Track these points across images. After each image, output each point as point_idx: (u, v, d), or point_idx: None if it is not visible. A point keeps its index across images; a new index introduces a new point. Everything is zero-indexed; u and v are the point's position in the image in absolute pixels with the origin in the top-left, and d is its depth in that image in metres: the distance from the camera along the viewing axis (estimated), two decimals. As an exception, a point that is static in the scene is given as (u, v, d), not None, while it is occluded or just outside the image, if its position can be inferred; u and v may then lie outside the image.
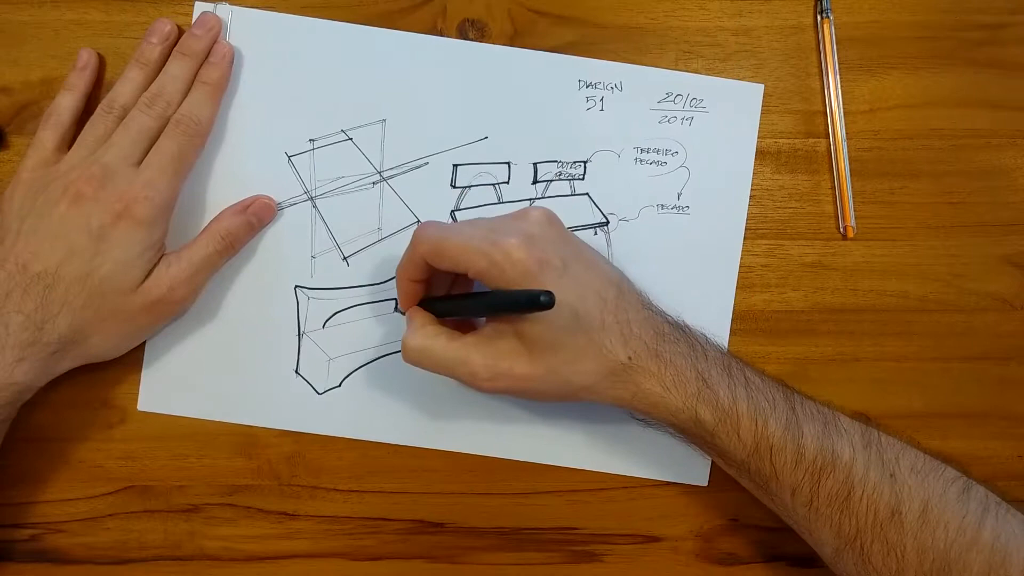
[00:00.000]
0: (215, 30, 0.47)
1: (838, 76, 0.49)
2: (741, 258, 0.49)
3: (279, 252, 0.48)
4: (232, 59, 0.47)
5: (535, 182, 0.49)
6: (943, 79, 0.50)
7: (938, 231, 0.49)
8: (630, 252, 0.49)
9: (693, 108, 0.49)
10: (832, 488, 0.40)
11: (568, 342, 0.40)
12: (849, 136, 0.49)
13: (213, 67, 0.47)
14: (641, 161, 0.49)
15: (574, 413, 0.48)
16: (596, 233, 0.49)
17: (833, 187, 0.49)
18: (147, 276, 0.44)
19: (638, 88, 0.49)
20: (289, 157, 0.48)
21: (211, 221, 0.47)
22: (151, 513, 0.48)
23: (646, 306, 0.43)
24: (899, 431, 0.48)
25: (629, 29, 0.49)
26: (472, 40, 0.49)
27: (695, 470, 0.49)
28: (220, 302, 0.48)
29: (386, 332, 0.48)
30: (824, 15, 0.49)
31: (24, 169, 0.45)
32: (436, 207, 0.49)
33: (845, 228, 0.49)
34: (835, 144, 0.49)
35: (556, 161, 0.49)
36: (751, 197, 0.49)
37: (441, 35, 0.49)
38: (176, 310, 0.46)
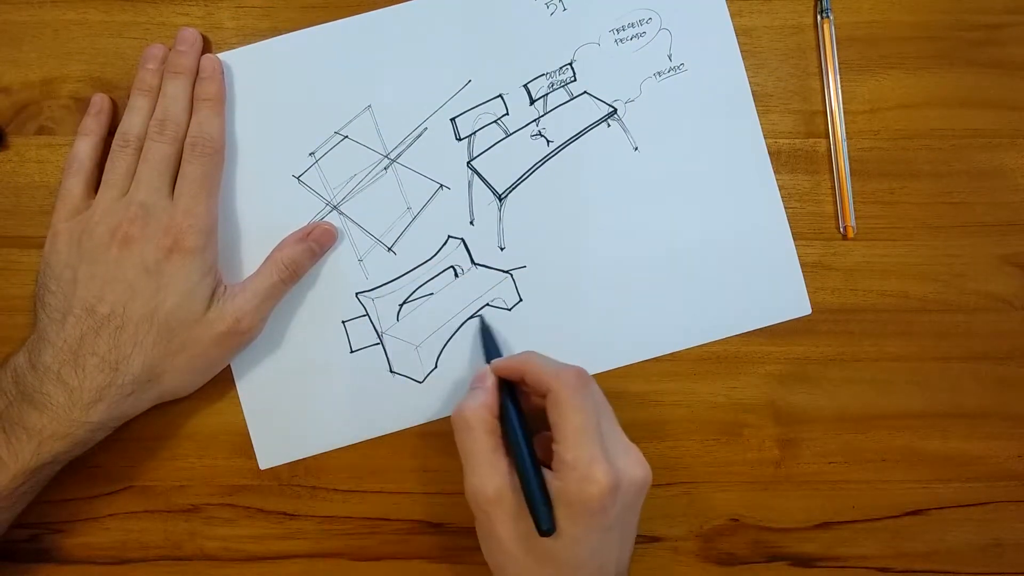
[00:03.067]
0: (198, 43, 0.48)
1: (838, 76, 0.49)
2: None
3: (328, 268, 0.48)
4: (223, 70, 0.48)
5: (532, 102, 0.49)
6: (943, 79, 0.50)
7: (938, 231, 0.49)
8: (650, 129, 0.49)
9: None
10: None
11: (550, 558, 0.39)
12: (849, 136, 0.49)
13: (208, 81, 0.47)
14: (621, 40, 0.49)
15: (663, 303, 0.49)
16: (609, 125, 0.49)
17: (833, 187, 0.49)
18: (210, 304, 0.44)
19: None
20: (298, 178, 0.48)
21: (273, 250, 0.47)
22: (151, 513, 0.48)
23: None
24: (899, 431, 0.49)
25: (629, 29, 0.50)
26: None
27: (794, 302, 0.49)
28: (295, 338, 0.48)
29: (456, 299, 0.48)
30: (824, 15, 0.49)
31: (58, 220, 0.45)
32: (452, 165, 0.49)
33: (845, 228, 0.49)
34: (835, 144, 0.49)
35: (543, 74, 0.49)
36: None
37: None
38: (245, 340, 0.46)
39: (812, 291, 0.49)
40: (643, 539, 0.49)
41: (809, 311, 0.49)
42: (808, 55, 0.50)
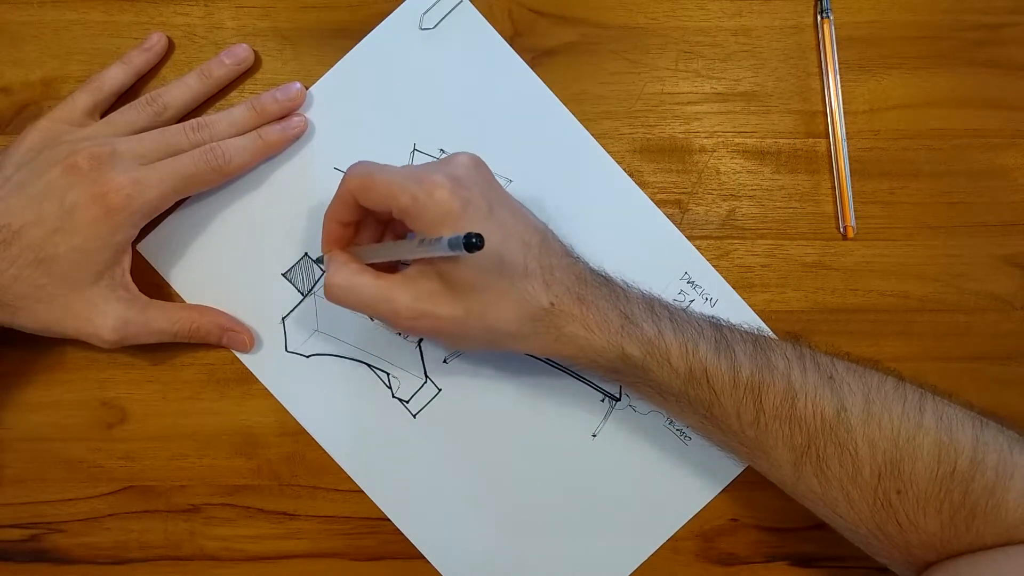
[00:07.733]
0: (297, 102, 0.48)
1: (838, 76, 0.49)
2: (742, 258, 0.49)
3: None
4: (300, 135, 0.48)
5: None
6: (943, 79, 0.50)
7: (938, 231, 0.49)
8: (624, 438, 0.48)
9: None
10: (775, 400, 0.40)
11: (490, 285, 0.39)
12: (849, 136, 0.49)
13: (278, 131, 0.47)
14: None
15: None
16: (603, 400, 0.48)
17: (833, 187, 0.49)
18: (96, 282, 0.43)
19: None
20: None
21: (198, 308, 0.47)
22: (151, 513, 0.48)
23: (569, 254, 0.43)
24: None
25: (629, 29, 0.49)
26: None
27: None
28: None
29: (380, 336, 0.48)
30: (824, 15, 0.49)
31: (46, 117, 0.45)
32: None
33: (845, 228, 0.49)
34: (835, 144, 0.49)
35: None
36: (752, 197, 0.49)
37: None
38: (93, 341, 0.44)
39: (812, 291, 0.49)
40: (643, 539, 0.49)
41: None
42: (808, 55, 0.50)
